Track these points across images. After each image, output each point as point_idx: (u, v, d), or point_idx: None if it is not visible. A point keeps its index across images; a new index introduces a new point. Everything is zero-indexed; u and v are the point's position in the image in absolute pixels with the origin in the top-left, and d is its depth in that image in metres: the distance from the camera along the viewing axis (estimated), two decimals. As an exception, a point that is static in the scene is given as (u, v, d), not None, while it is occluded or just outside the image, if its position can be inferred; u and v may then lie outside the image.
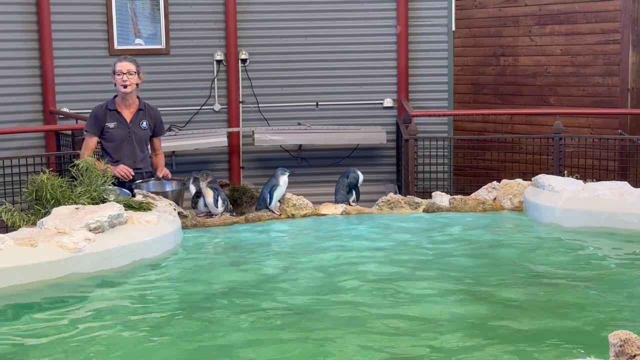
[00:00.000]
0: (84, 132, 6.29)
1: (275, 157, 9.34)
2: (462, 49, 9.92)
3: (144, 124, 6.24)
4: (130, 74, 6.11)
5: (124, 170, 6.02)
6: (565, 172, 7.20)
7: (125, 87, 6.11)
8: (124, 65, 6.12)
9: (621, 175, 7.88)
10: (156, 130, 6.35)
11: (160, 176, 6.26)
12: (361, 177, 6.59)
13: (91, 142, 6.16)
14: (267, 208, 6.13)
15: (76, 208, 4.88)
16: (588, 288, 4.40)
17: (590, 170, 7.79)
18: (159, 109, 9.16)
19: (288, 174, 6.20)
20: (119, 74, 6.10)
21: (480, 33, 9.78)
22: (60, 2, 8.86)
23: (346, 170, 6.73)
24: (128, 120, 6.17)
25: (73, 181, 5.25)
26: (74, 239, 4.54)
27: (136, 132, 6.21)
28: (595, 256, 5.07)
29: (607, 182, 6.08)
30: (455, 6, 9.75)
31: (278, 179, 6.14)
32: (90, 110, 6.38)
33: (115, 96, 6.23)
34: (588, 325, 3.81)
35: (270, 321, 3.92)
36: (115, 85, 6.16)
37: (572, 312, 4.00)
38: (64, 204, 4.98)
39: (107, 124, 6.11)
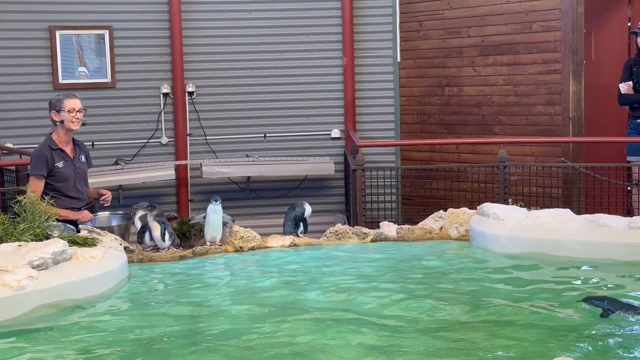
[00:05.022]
0: (32, 176, 5.99)
1: (224, 189, 9.30)
2: (407, 79, 10.04)
3: (83, 158, 6.21)
4: (81, 111, 6.08)
5: (88, 216, 6.00)
6: (510, 200, 7.30)
7: (81, 124, 6.07)
8: (77, 103, 6.06)
9: (565, 202, 8.01)
10: (88, 163, 6.33)
11: (105, 195, 6.25)
12: (308, 210, 6.62)
13: (41, 185, 5.94)
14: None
15: (19, 245, 4.80)
16: (531, 315, 4.45)
17: (534, 198, 7.89)
18: (105, 143, 9.14)
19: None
20: (71, 111, 6.01)
21: (425, 64, 9.91)
22: (3, 37, 8.77)
23: (294, 203, 6.75)
24: (72, 157, 6.11)
25: (16, 218, 5.17)
26: (17, 276, 4.46)
27: (81, 168, 6.16)
28: (538, 284, 5.13)
29: (551, 209, 6.18)
30: (400, 37, 9.87)
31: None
32: (33, 147, 6.28)
33: (51, 134, 6.11)
34: (531, 353, 3.85)
35: (217, 356, 3.90)
36: (62, 123, 6.03)
37: (515, 339, 4.04)
38: (7, 241, 4.91)
39: (56, 164, 6.02)
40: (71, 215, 5.92)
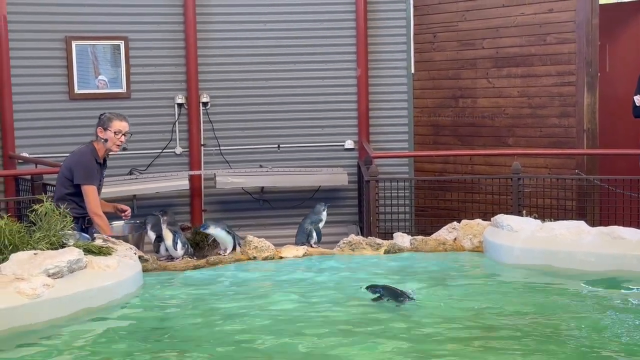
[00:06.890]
0: (90, 185, 5.97)
1: (237, 200, 9.34)
2: (421, 91, 10.05)
3: (104, 173, 6.29)
4: (126, 135, 6.13)
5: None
6: (524, 211, 7.29)
7: (123, 149, 6.15)
8: (125, 126, 6.12)
9: (579, 214, 7.99)
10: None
11: (127, 212, 6.35)
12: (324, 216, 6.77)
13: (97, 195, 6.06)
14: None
15: (35, 254, 4.83)
16: (545, 328, 4.44)
17: (548, 210, 7.89)
18: (120, 152, 9.15)
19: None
20: (117, 133, 6.06)
21: (439, 75, 9.92)
22: (20, 47, 8.84)
23: (313, 209, 6.86)
24: (102, 171, 6.21)
25: (32, 226, 5.21)
26: (33, 285, 4.49)
27: (102, 183, 6.25)
28: (552, 295, 5.12)
29: (565, 221, 6.16)
30: (414, 49, 9.89)
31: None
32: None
33: (92, 142, 6.15)
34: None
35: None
36: (105, 141, 6.07)
37: (526, 353, 4.03)
38: (23, 250, 4.93)
39: None
40: (108, 231, 5.99)
